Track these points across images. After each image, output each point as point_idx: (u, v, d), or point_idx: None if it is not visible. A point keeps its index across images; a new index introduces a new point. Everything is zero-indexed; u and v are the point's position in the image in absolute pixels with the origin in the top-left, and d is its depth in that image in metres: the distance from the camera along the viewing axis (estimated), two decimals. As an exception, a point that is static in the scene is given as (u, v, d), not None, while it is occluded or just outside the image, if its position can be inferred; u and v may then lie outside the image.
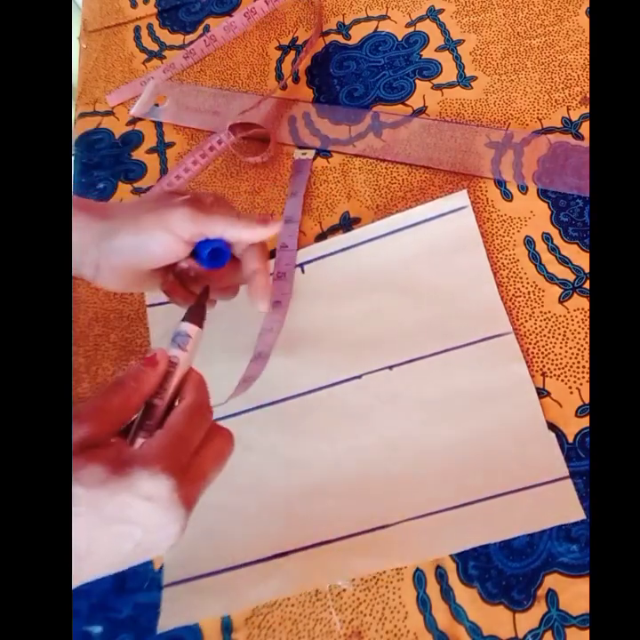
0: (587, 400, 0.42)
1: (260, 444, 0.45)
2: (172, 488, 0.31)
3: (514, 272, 0.47)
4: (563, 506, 0.39)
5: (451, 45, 0.58)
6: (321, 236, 0.52)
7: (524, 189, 0.50)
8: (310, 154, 0.55)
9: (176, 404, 0.36)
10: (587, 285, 0.46)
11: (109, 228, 0.42)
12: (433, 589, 0.39)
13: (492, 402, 0.43)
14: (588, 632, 0.37)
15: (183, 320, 0.38)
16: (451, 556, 0.40)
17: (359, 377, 0.45)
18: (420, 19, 0.60)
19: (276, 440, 0.45)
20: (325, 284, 0.49)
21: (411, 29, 0.60)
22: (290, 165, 0.56)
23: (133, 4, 0.70)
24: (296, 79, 0.60)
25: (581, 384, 0.43)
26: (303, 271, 0.50)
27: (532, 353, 0.44)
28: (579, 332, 0.44)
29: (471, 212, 0.49)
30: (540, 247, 0.48)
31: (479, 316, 0.46)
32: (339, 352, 0.46)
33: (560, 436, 0.42)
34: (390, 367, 0.45)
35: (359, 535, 0.41)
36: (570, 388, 0.43)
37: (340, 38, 0.62)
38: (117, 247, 0.41)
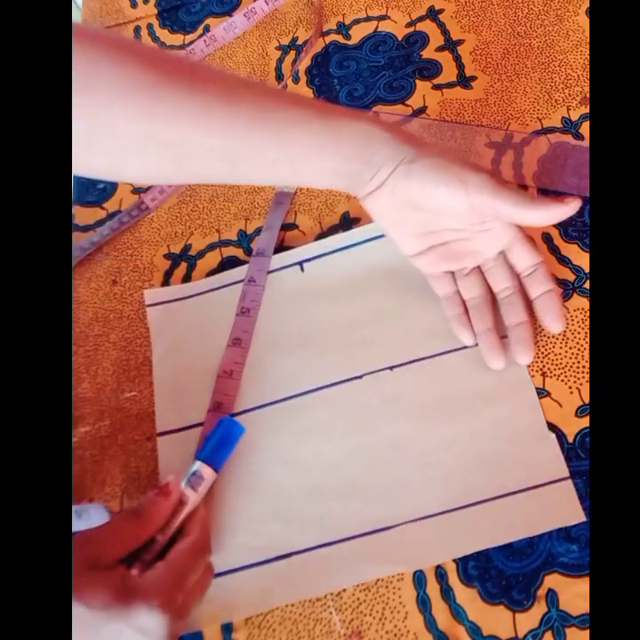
0: (587, 400, 0.42)
1: (261, 445, 0.45)
2: (164, 625, 0.33)
3: (514, 272, 0.47)
4: (563, 508, 0.39)
5: (451, 45, 0.58)
6: (321, 236, 0.52)
7: (523, 189, 0.50)
8: (292, 188, 0.55)
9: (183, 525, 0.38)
10: (587, 285, 0.46)
11: (411, 147, 0.40)
12: (433, 589, 0.39)
13: (493, 403, 0.43)
14: (587, 632, 0.37)
15: (199, 459, 0.40)
16: (451, 555, 0.40)
17: (360, 377, 0.45)
18: (420, 19, 0.60)
19: (277, 440, 0.45)
20: (325, 283, 0.49)
21: (411, 29, 0.60)
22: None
23: (133, 4, 0.70)
24: (296, 79, 0.60)
25: (581, 384, 0.43)
26: (303, 270, 0.50)
27: (532, 353, 0.44)
28: (579, 332, 0.44)
29: None
30: (540, 247, 0.48)
31: None
32: (339, 352, 0.46)
33: (560, 436, 0.42)
34: (391, 368, 0.45)
35: (360, 537, 0.41)
36: (570, 388, 0.43)
37: (340, 38, 0.62)
38: (417, 171, 0.39)
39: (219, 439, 0.41)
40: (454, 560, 0.40)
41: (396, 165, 0.39)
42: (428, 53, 0.58)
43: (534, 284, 0.43)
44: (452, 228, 0.42)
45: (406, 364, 0.45)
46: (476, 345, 0.44)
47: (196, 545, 0.36)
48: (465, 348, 0.45)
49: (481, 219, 0.41)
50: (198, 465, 0.40)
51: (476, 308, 0.44)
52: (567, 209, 0.39)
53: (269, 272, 0.50)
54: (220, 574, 0.41)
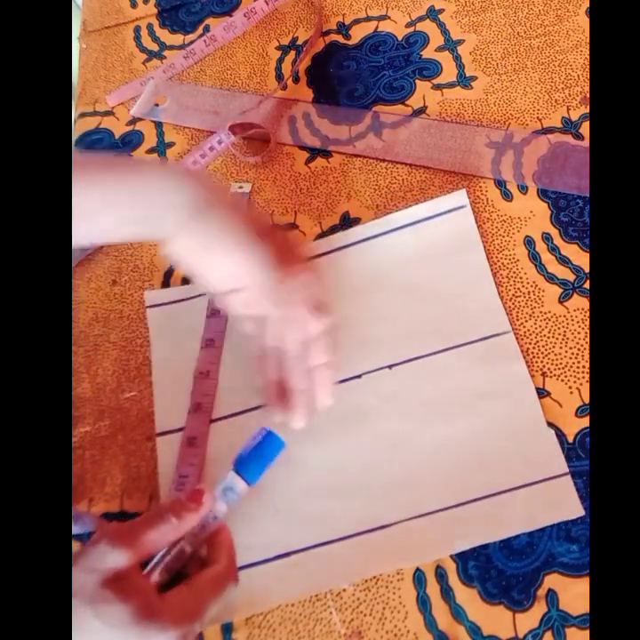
0: (587, 400, 0.42)
1: None
2: None
3: (514, 272, 0.47)
4: (562, 503, 0.39)
5: (451, 45, 0.58)
6: (321, 236, 0.52)
7: (523, 189, 0.50)
8: (247, 187, 0.55)
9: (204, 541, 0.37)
10: (587, 285, 0.46)
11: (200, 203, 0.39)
12: (433, 589, 0.39)
13: (492, 400, 0.43)
14: (587, 632, 0.37)
15: (239, 473, 0.38)
16: (451, 555, 0.40)
17: (359, 376, 0.45)
18: (420, 19, 0.60)
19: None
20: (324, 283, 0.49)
21: (411, 29, 0.60)
22: (290, 166, 0.56)
23: (133, 4, 0.70)
24: (296, 79, 0.60)
25: (581, 384, 0.43)
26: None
27: (532, 353, 0.44)
28: (579, 332, 0.44)
29: (470, 211, 0.49)
30: (540, 247, 0.48)
31: (478, 316, 0.46)
32: (338, 351, 0.46)
33: (560, 435, 0.42)
34: (390, 366, 0.45)
35: (360, 535, 0.41)
36: (570, 388, 0.43)
37: (340, 38, 0.62)
38: (194, 230, 0.39)
39: (258, 452, 0.39)
40: (454, 560, 0.40)
41: (190, 212, 0.39)
42: (427, 53, 0.58)
43: (314, 351, 0.42)
44: None
45: (405, 362, 0.45)
46: (473, 342, 0.44)
47: (221, 575, 0.36)
48: (463, 345, 0.45)
49: (255, 287, 0.41)
50: (234, 478, 0.38)
51: (272, 357, 0.44)
52: (317, 325, 0.41)
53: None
54: None
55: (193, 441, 0.45)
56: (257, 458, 0.39)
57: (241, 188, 0.55)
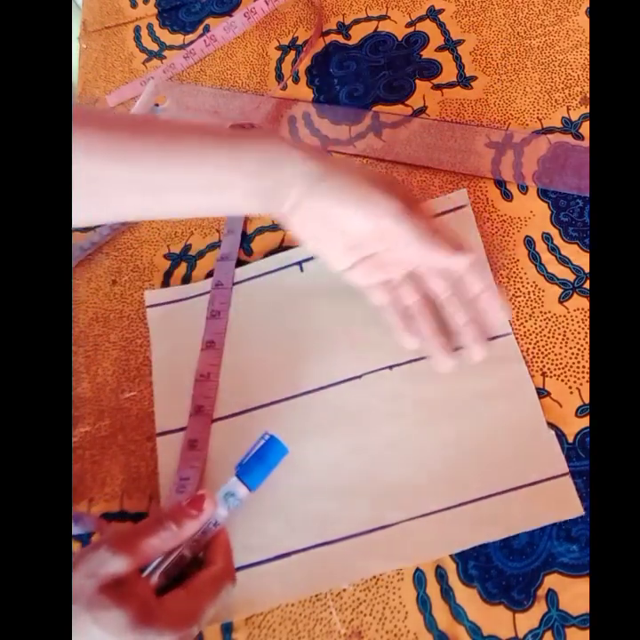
0: (587, 400, 0.42)
1: None
2: None
3: (514, 272, 0.47)
4: (562, 502, 0.39)
5: (451, 45, 0.58)
6: (321, 236, 0.52)
7: (523, 189, 0.50)
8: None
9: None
10: (587, 285, 0.46)
11: (318, 164, 0.39)
12: (433, 589, 0.39)
13: (492, 401, 0.43)
14: (587, 632, 0.37)
15: (241, 478, 0.38)
16: (451, 555, 0.40)
17: (359, 377, 0.45)
18: (420, 19, 0.60)
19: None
20: (324, 283, 0.49)
21: (411, 29, 0.60)
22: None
23: (133, 4, 0.70)
24: (296, 79, 0.60)
25: (581, 384, 0.43)
26: (302, 269, 0.50)
27: (532, 353, 0.44)
28: (579, 332, 0.44)
29: (470, 211, 0.49)
30: (540, 247, 0.48)
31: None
32: (338, 352, 0.46)
33: (560, 436, 0.42)
34: (390, 367, 0.45)
35: (360, 536, 0.41)
36: (570, 388, 0.43)
37: (340, 38, 0.62)
38: (325, 190, 0.39)
39: (260, 458, 0.39)
40: (454, 560, 0.40)
41: (306, 183, 0.39)
42: (427, 53, 0.58)
43: (470, 282, 0.42)
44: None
45: (406, 363, 0.45)
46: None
47: (218, 576, 0.35)
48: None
49: (391, 240, 0.40)
50: (235, 483, 0.38)
51: (417, 313, 0.44)
52: (463, 260, 0.41)
53: (269, 272, 0.50)
54: None
55: (194, 444, 0.45)
56: (259, 463, 0.38)
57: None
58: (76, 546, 0.44)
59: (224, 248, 0.52)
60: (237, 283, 0.51)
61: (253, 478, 0.38)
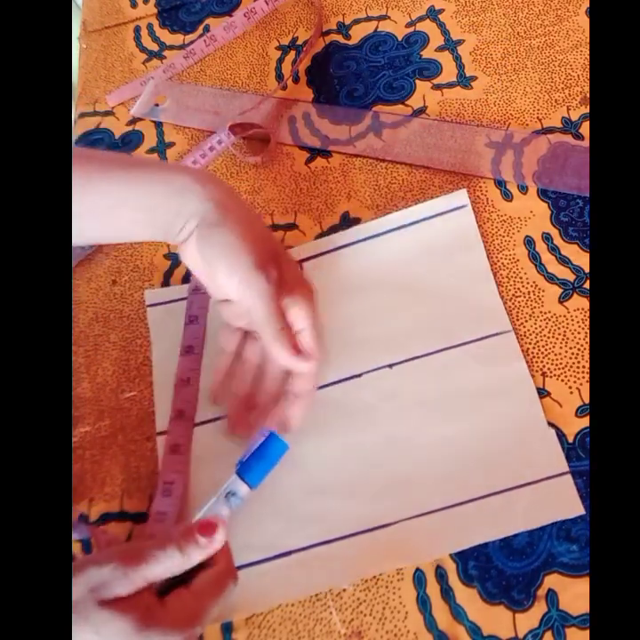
0: (587, 400, 0.42)
1: None
2: None
3: (514, 272, 0.47)
4: (562, 501, 0.39)
5: (451, 45, 0.58)
6: (321, 236, 0.52)
7: (523, 189, 0.50)
8: None
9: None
10: (587, 285, 0.46)
11: (217, 209, 0.39)
12: (433, 589, 0.39)
13: (492, 399, 0.43)
14: (587, 632, 0.37)
15: (242, 476, 0.37)
16: (451, 555, 0.40)
17: (359, 376, 0.45)
18: (420, 19, 0.60)
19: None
20: (324, 282, 0.49)
21: (411, 29, 0.60)
22: (290, 166, 0.56)
23: (133, 4, 0.70)
24: (296, 79, 0.60)
25: (581, 384, 0.43)
26: (302, 268, 0.50)
27: (532, 353, 0.44)
28: (579, 332, 0.44)
29: (470, 211, 0.49)
30: (540, 247, 0.48)
31: (479, 315, 0.46)
32: (338, 350, 0.46)
33: (560, 435, 0.42)
34: (390, 365, 0.45)
35: (360, 534, 0.41)
36: (570, 388, 0.43)
37: (340, 38, 0.62)
38: (211, 238, 0.39)
39: (260, 456, 0.39)
40: (454, 560, 0.40)
41: (199, 223, 0.40)
42: (427, 53, 0.58)
43: (297, 383, 0.43)
44: None
45: (405, 361, 0.45)
46: (473, 341, 0.45)
47: (221, 576, 0.35)
48: (464, 344, 0.45)
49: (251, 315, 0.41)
50: (236, 482, 0.38)
51: (245, 372, 0.44)
52: (299, 366, 0.41)
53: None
54: None
55: (177, 448, 0.45)
56: (259, 461, 0.38)
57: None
58: (76, 547, 0.44)
59: None
60: None
61: (254, 476, 0.38)
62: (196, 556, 0.35)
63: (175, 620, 0.33)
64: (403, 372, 0.45)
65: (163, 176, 0.40)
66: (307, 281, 0.43)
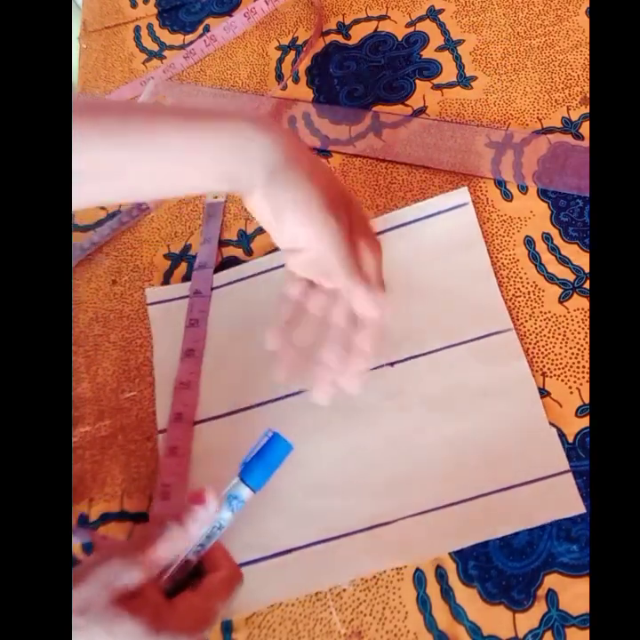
0: (587, 400, 0.42)
1: None
2: None
3: (514, 272, 0.47)
4: (563, 500, 0.39)
5: (451, 45, 0.58)
6: (321, 236, 0.52)
7: (523, 189, 0.50)
8: (222, 197, 0.55)
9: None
10: (587, 285, 0.46)
11: (282, 155, 0.38)
12: (433, 589, 0.39)
13: (493, 398, 0.43)
14: (587, 632, 0.37)
15: (244, 479, 0.36)
16: (451, 555, 0.40)
17: None
18: (420, 19, 0.60)
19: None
20: None
21: (411, 29, 0.60)
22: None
23: (133, 4, 0.70)
24: (296, 79, 0.60)
25: (581, 384, 0.43)
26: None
27: (532, 353, 0.44)
28: (579, 332, 0.44)
29: (472, 209, 0.49)
30: (540, 247, 0.48)
31: (479, 313, 0.46)
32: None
33: (560, 436, 0.42)
34: (392, 364, 0.45)
35: (361, 532, 0.41)
36: (570, 388, 0.43)
37: (340, 38, 0.62)
38: (276, 184, 0.38)
39: (263, 457, 0.37)
40: (454, 560, 0.40)
41: (267, 172, 0.38)
42: (427, 53, 0.58)
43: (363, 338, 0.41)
44: None
45: (407, 359, 0.45)
46: (474, 339, 0.45)
47: (229, 577, 0.36)
48: (465, 342, 0.45)
49: (322, 260, 0.40)
50: (238, 485, 0.37)
51: (308, 323, 0.42)
52: (374, 310, 0.39)
53: (269, 270, 0.51)
54: None
55: (175, 450, 0.45)
56: (262, 463, 0.37)
57: (216, 197, 0.55)
58: (76, 548, 0.44)
59: (201, 257, 0.53)
60: (237, 281, 0.51)
61: (257, 479, 0.37)
62: (193, 527, 0.35)
63: (185, 623, 0.33)
64: (404, 371, 0.45)
65: (226, 125, 0.38)
66: (372, 230, 0.41)
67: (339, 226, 0.38)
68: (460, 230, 0.49)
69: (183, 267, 0.53)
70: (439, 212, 0.50)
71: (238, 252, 0.53)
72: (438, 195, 0.50)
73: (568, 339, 0.44)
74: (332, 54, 0.61)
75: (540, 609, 0.38)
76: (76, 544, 0.44)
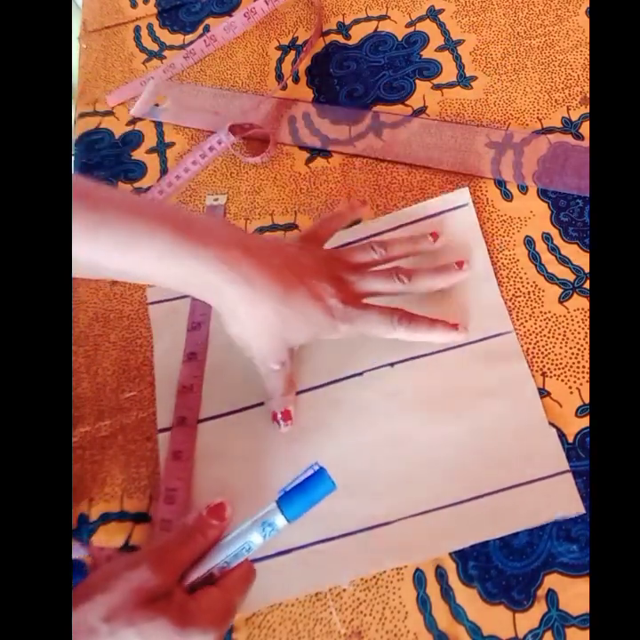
0: (587, 400, 0.42)
1: (263, 441, 0.45)
2: None
3: (514, 272, 0.47)
4: (563, 500, 0.39)
5: (451, 45, 0.58)
6: (321, 236, 0.52)
7: (523, 189, 0.50)
8: (222, 199, 0.55)
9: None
10: (587, 285, 0.46)
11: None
12: (433, 589, 0.39)
13: (493, 398, 0.43)
14: (587, 632, 0.37)
15: (281, 507, 0.35)
16: (451, 555, 0.40)
17: (360, 374, 0.45)
18: (420, 19, 0.60)
19: (278, 438, 0.45)
20: None
21: (411, 29, 0.60)
22: (290, 166, 0.56)
23: (133, 4, 0.70)
24: (296, 79, 0.60)
25: (581, 384, 0.43)
26: None
27: (532, 353, 0.44)
28: (579, 332, 0.44)
29: (472, 209, 0.49)
30: (540, 247, 0.48)
31: (480, 315, 0.46)
32: (339, 349, 0.46)
33: (560, 436, 0.42)
34: (392, 364, 0.45)
35: (361, 532, 0.41)
36: (570, 388, 0.43)
37: (340, 38, 0.62)
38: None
39: (305, 490, 0.36)
40: (454, 560, 0.40)
41: (222, 304, 0.42)
42: (427, 53, 0.58)
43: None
44: None
45: (407, 360, 0.45)
46: (475, 341, 0.45)
47: (244, 572, 0.37)
48: (465, 344, 0.45)
49: None
50: (275, 513, 0.35)
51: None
52: None
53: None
54: None
55: (179, 454, 0.45)
56: (303, 495, 0.36)
57: (216, 200, 0.55)
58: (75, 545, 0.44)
59: None
60: None
61: (294, 510, 0.36)
62: (213, 535, 0.37)
63: (211, 616, 0.34)
64: (404, 371, 0.45)
65: (192, 251, 0.40)
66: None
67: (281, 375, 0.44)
68: (461, 231, 0.49)
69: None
70: (440, 213, 0.50)
71: (238, 252, 0.53)
72: (438, 194, 0.50)
73: (568, 339, 0.44)
74: (332, 54, 0.61)
75: (539, 609, 0.38)
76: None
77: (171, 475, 0.44)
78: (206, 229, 0.41)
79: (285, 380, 0.44)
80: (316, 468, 0.36)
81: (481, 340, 0.45)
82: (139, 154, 0.60)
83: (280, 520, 0.35)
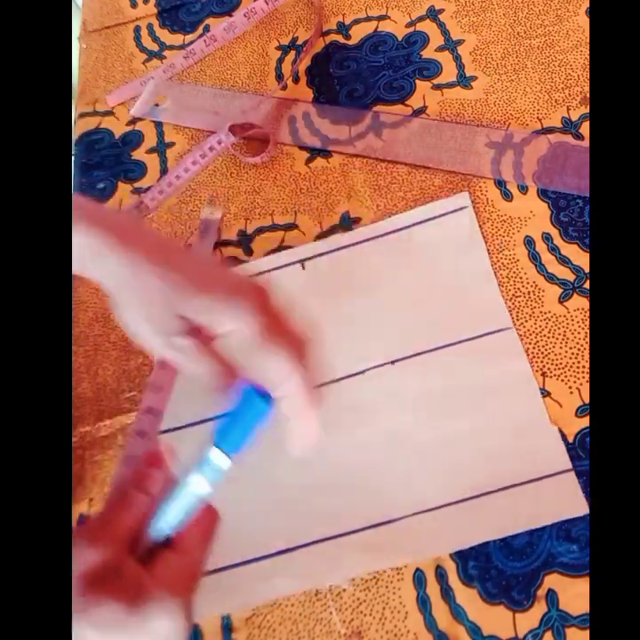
0: (587, 400, 0.42)
1: (264, 439, 0.45)
2: (183, 624, 0.29)
3: (514, 272, 0.47)
4: (566, 499, 0.39)
5: (451, 45, 0.58)
6: (321, 236, 0.52)
7: (523, 189, 0.50)
8: (218, 213, 0.55)
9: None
10: (587, 285, 0.46)
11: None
12: (433, 589, 0.39)
13: (495, 396, 0.43)
14: (587, 632, 0.37)
15: (217, 443, 0.32)
16: (451, 555, 0.40)
17: (362, 372, 0.46)
18: (420, 19, 0.60)
19: (280, 435, 0.45)
20: (326, 281, 0.49)
21: (411, 29, 0.60)
22: (290, 166, 0.56)
23: (133, 4, 0.70)
24: (296, 79, 0.60)
25: (581, 384, 0.43)
26: (303, 268, 0.50)
27: (532, 353, 0.44)
28: (579, 332, 0.44)
29: (472, 213, 0.49)
30: (540, 247, 0.48)
31: (480, 312, 0.46)
32: (341, 348, 0.46)
33: (560, 436, 0.42)
34: (393, 362, 0.45)
35: (363, 531, 0.41)
36: (570, 388, 0.43)
37: (340, 38, 0.62)
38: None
39: (239, 420, 0.32)
40: (454, 560, 0.40)
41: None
42: (427, 53, 0.58)
43: None
44: None
45: (408, 358, 0.45)
46: (475, 337, 0.45)
47: (203, 525, 0.32)
48: (465, 341, 0.45)
49: None
50: (211, 451, 0.32)
51: None
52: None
53: (270, 270, 0.51)
54: (222, 569, 0.41)
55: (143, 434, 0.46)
56: (236, 425, 0.32)
57: (211, 213, 0.55)
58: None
59: None
60: None
61: (230, 443, 0.32)
62: (155, 487, 0.32)
63: (168, 586, 0.30)
64: (405, 369, 0.45)
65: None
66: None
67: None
68: (461, 233, 0.49)
69: (183, 267, 0.53)
70: (440, 216, 0.50)
71: (238, 253, 0.53)
72: (438, 195, 0.51)
73: (568, 339, 0.44)
74: (332, 54, 0.61)
75: (539, 609, 0.38)
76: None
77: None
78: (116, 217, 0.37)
79: (211, 359, 0.35)
80: (245, 390, 0.32)
81: (481, 336, 0.45)
82: (139, 154, 0.60)
83: (218, 456, 0.32)
